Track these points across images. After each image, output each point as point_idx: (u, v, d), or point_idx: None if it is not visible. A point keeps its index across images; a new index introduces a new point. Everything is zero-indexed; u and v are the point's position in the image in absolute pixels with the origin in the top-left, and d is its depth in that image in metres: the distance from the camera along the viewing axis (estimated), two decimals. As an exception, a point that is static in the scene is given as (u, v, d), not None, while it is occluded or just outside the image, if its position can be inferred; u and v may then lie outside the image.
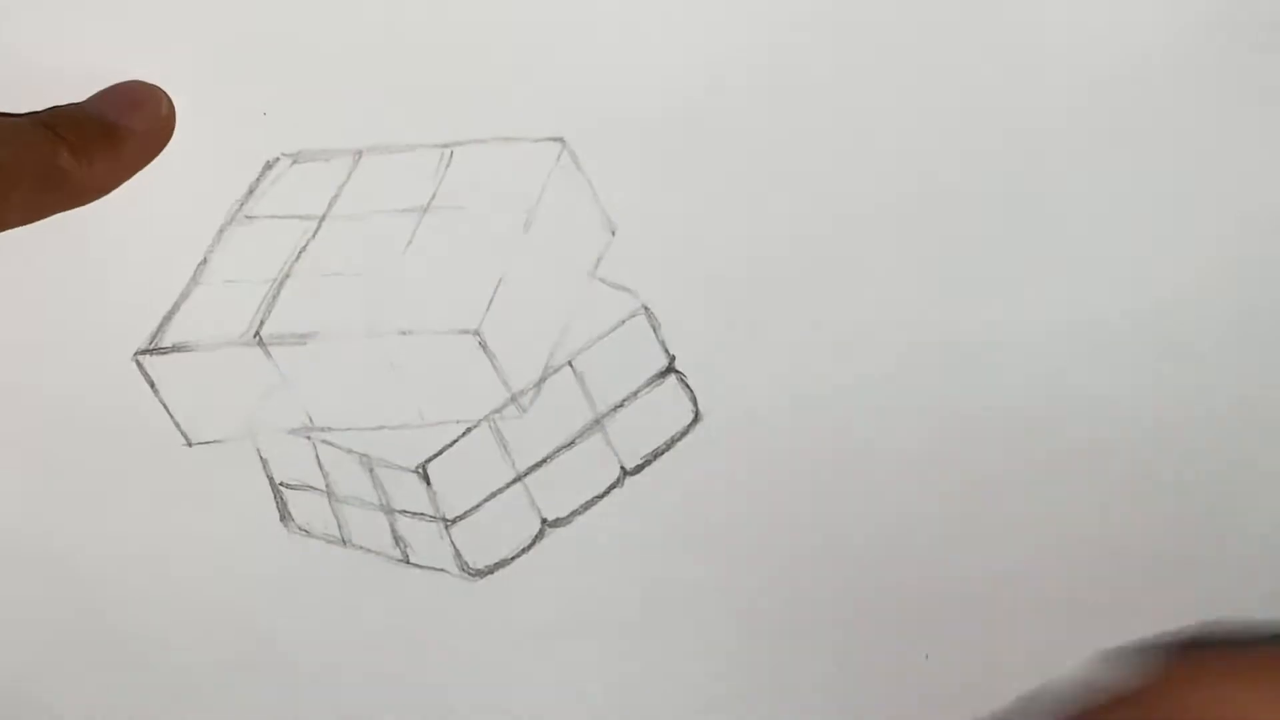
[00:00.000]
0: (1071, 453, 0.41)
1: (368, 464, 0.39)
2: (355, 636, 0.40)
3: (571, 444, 0.40)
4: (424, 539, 0.40)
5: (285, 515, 0.40)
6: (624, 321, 0.39)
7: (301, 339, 0.37)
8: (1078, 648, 0.42)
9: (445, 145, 0.38)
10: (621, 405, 0.40)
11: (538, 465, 0.40)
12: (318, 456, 0.39)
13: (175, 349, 0.38)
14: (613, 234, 0.38)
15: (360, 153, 0.38)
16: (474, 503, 0.40)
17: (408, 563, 0.40)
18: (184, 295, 0.38)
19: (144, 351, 0.38)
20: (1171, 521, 0.41)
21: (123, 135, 0.36)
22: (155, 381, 0.38)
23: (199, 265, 0.38)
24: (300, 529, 0.40)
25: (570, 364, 0.39)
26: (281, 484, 0.39)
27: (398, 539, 0.40)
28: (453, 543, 0.40)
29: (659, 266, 0.39)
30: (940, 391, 0.40)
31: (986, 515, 0.41)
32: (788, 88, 0.38)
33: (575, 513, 0.40)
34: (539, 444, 0.39)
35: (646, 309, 0.39)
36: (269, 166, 0.38)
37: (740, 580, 0.41)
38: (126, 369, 0.38)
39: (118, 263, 0.37)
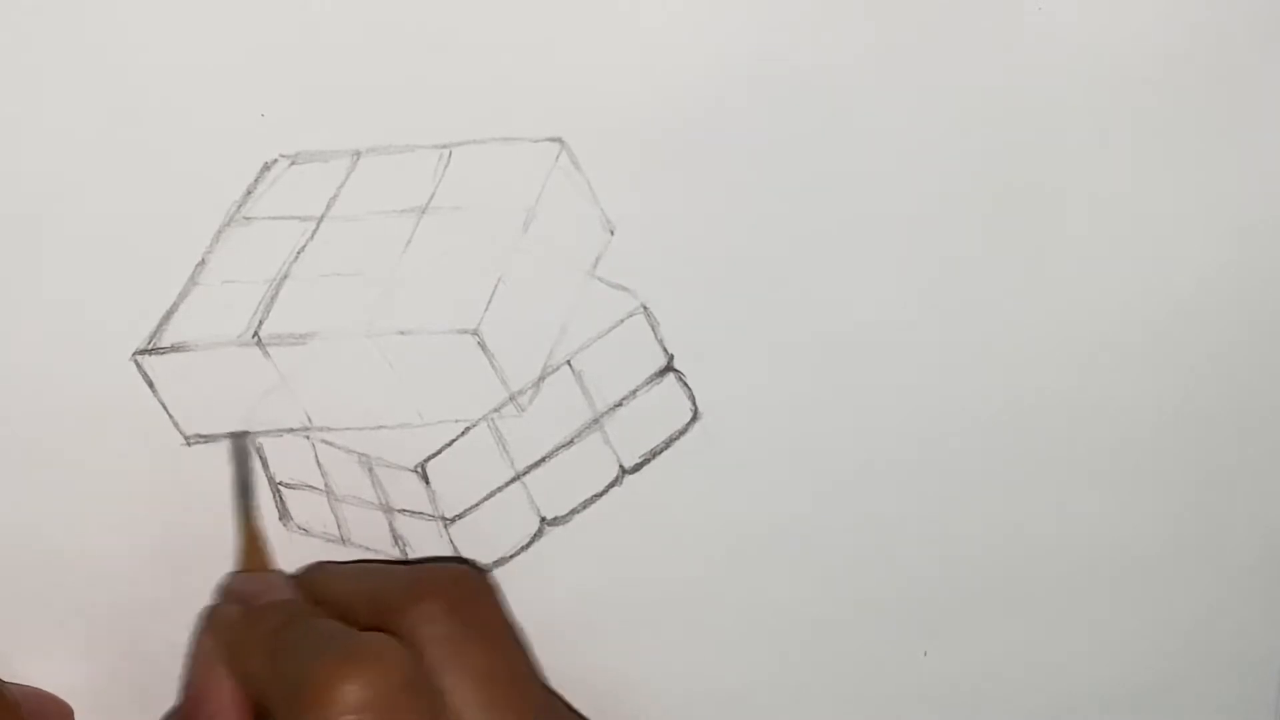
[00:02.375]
0: (1071, 452, 0.41)
1: (367, 463, 0.39)
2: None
3: (570, 443, 0.40)
4: (423, 537, 0.40)
5: (284, 514, 0.40)
6: (623, 321, 0.39)
7: (300, 339, 0.37)
8: (1077, 646, 0.42)
9: (444, 146, 0.38)
10: (620, 404, 0.40)
11: (537, 464, 0.40)
12: (316, 456, 0.39)
13: (174, 349, 0.38)
14: (611, 234, 0.38)
15: (358, 153, 0.38)
16: (473, 501, 0.40)
17: (407, 561, 0.40)
18: (182, 295, 0.38)
19: (142, 351, 0.38)
20: (1172, 521, 0.41)
21: None
22: (154, 381, 0.38)
23: (197, 266, 0.38)
24: (299, 528, 0.40)
25: (569, 363, 0.39)
26: (280, 483, 0.39)
27: (397, 538, 0.40)
28: (452, 541, 0.40)
29: (658, 266, 0.39)
30: (939, 390, 0.40)
31: (986, 513, 0.41)
32: (787, 88, 0.38)
33: (574, 511, 0.40)
34: (538, 443, 0.40)
35: (645, 308, 0.39)
36: (267, 168, 0.37)
37: (739, 578, 0.41)
38: (125, 369, 0.38)
39: (116, 263, 0.37)
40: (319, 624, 0.34)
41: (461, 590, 0.35)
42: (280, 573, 0.38)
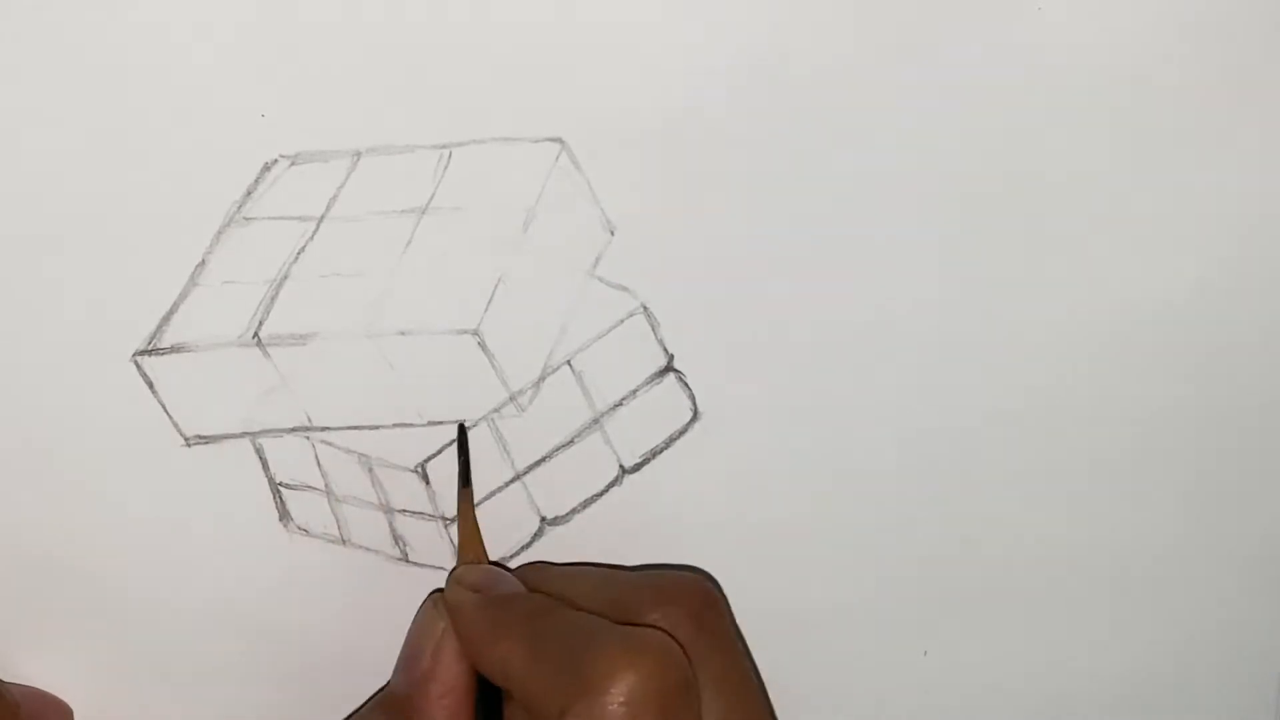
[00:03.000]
0: (1071, 453, 0.41)
1: (367, 463, 0.39)
2: (354, 635, 0.40)
3: (570, 443, 0.40)
4: (423, 538, 0.40)
5: (284, 515, 0.39)
6: (623, 321, 0.39)
7: (300, 339, 0.37)
8: (1077, 646, 0.42)
9: (444, 146, 0.38)
10: (620, 404, 0.40)
11: (537, 464, 0.40)
12: (317, 456, 0.39)
13: (174, 349, 0.38)
14: (611, 234, 0.38)
15: (359, 154, 0.38)
16: (473, 501, 0.40)
17: (407, 561, 0.40)
18: (182, 296, 0.38)
19: (142, 352, 0.38)
20: (1171, 522, 0.41)
21: None
22: (154, 382, 0.38)
23: (197, 266, 0.38)
24: (299, 528, 0.40)
25: (569, 363, 0.39)
26: (280, 484, 0.39)
27: (397, 538, 0.40)
28: (452, 541, 0.40)
29: (657, 266, 0.39)
30: (939, 391, 0.40)
31: (986, 513, 0.41)
32: (787, 88, 0.38)
33: (574, 511, 0.40)
34: (538, 443, 0.39)
35: (645, 308, 0.39)
36: (267, 168, 0.37)
37: (739, 578, 0.41)
38: (125, 369, 0.38)
39: (116, 264, 0.37)
40: (582, 616, 0.34)
41: (702, 598, 0.35)
42: (506, 568, 0.38)
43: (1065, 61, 0.38)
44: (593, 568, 0.39)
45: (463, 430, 0.38)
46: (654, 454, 0.40)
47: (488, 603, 0.35)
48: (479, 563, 0.38)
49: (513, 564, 0.40)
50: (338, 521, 0.40)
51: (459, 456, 0.38)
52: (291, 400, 0.38)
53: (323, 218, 0.38)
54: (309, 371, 0.38)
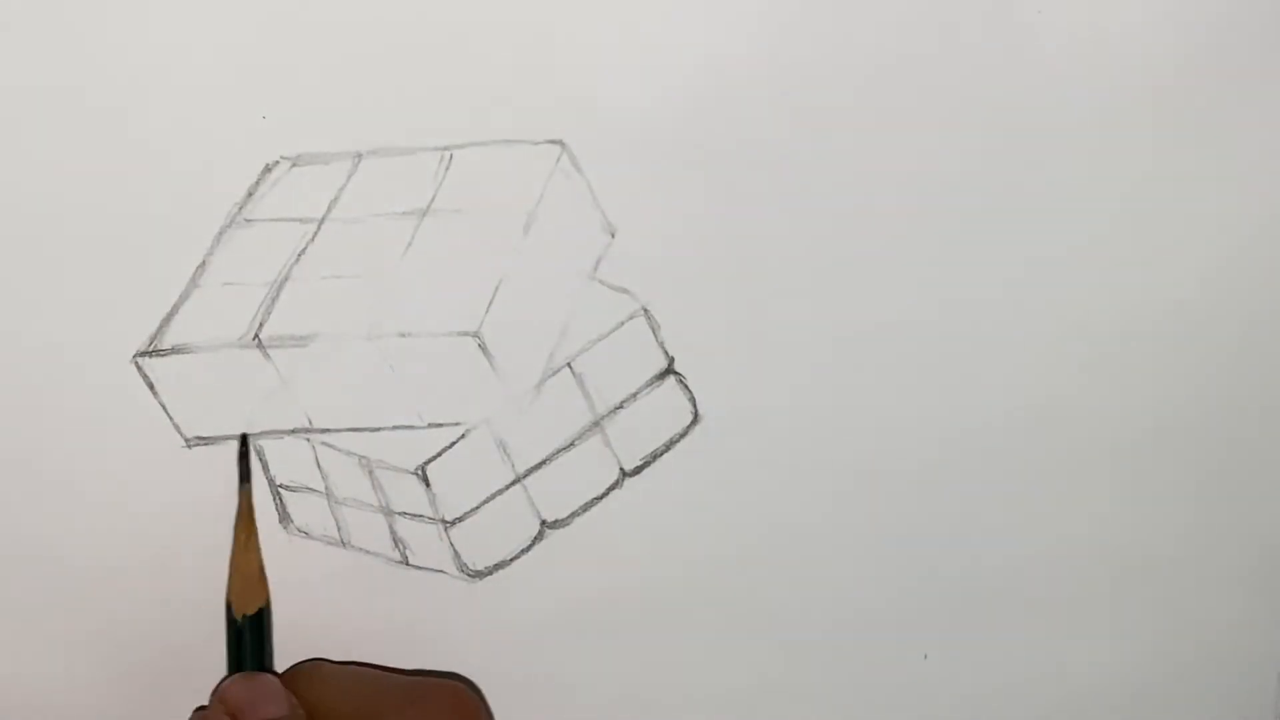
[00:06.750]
0: (1071, 457, 0.41)
1: (367, 465, 0.39)
2: (355, 637, 0.40)
3: (571, 445, 0.40)
4: (423, 540, 0.40)
5: (284, 517, 0.39)
6: (623, 323, 0.39)
7: (301, 341, 0.37)
8: (1077, 648, 0.42)
9: (445, 148, 0.38)
10: (621, 406, 0.40)
11: (537, 467, 0.40)
12: (317, 458, 0.39)
13: (174, 351, 0.38)
14: (612, 236, 0.38)
15: (360, 156, 0.38)
16: (473, 504, 0.40)
17: (407, 564, 0.40)
18: (183, 297, 0.38)
19: (143, 353, 0.38)
20: (1171, 524, 0.41)
21: None
22: (154, 383, 0.38)
23: (198, 268, 0.38)
24: (300, 530, 0.40)
25: (569, 365, 0.39)
26: (281, 486, 0.39)
27: (397, 540, 0.40)
28: (452, 544, 0.40)
29: (658, 268, 0.39)
30: (941, 395, 0.40)
31: (986, 515, 0.41)
32: (787, 90, 0.38)
33: (574, 514, 0.40)
34: (538, 445, 0.39)
35: (646, 310, 0.39)
36: (268, 170, 0.38)
37: (739, 581, 0.41)
38: (126, 370, 0.38)
39: (118, 265, 0.37)
40: None
41: (452, 701, 0.36)
42: (274, 679, 0.37)
43: (1066, 63, 0.38)
44: (366, 670, 0.39)
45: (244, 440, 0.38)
46: (654, 457, 0.40)
47: None
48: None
49: (512, 567, 0.40)
50: (338, 524, 0.40)
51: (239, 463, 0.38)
52: (292, 402, 0.38)
53: (324, 219, 0.38)
54: (309, 373, 0.38)
